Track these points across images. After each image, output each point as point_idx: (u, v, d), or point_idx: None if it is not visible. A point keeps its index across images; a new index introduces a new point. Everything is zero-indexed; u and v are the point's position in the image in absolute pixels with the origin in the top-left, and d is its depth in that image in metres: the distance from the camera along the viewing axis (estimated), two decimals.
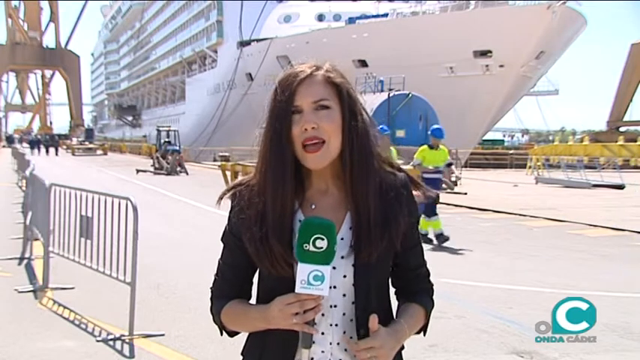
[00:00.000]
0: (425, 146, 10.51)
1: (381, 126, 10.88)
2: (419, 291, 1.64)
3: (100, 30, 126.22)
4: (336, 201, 1.54)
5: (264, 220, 1.50)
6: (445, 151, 10.55)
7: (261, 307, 1.51)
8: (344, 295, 1.51)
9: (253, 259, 1.53)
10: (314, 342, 1.47)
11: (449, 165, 10.66)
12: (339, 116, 1.50)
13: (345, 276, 1.50)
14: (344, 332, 1.51)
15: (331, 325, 1.51)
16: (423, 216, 9.65)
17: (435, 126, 11.36)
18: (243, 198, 1.55)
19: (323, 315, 1.49)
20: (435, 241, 9.94)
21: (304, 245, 1.40)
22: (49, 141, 57.83)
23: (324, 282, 1.40)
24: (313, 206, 1.53)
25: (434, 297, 1.68)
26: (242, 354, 1.62)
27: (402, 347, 1.61)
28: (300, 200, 1.53)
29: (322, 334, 1.50)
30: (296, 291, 1.42)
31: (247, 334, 1.61)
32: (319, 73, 1.53)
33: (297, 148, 1.49)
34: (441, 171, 10.49)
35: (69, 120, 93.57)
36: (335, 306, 1.51)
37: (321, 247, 1.40)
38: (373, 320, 1.46)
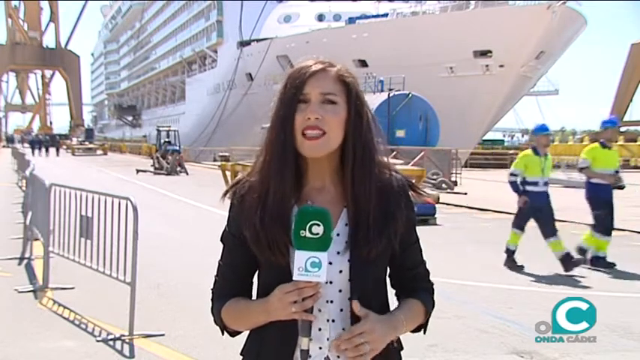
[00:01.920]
0: (596, 144, 8.32)
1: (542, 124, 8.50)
2: (419, 289, 1.64)
3: (100, 30, 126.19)
4: (333, 197, 1.55)
5: (265, 207, 1.51)
6: (617, 152, 8.40)
7: (262, 300, 1.52)
8: (340, 291, 1.51)
9: (253, 249, 1.53)
10: (311, 338, 1.47)
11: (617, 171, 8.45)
12: (345, 113, 1.52)
13: (340, 271, 1.51)
14: (343, 329, 1.51)
15: (328, 320, 1.51)
16: (597, 235, 8.24)
17: (609, 116, 8.72)
18: (244, 190, 1.57)
19: (320, 311, 1.50)
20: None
21: (301, 232, 1.42)
22: (50, 141, 57.62)
23: (322, 268, 1.41)
24: (309, 202, 1.53)
25: (434, 297, 1.67)
26: (241, 354, 1.61)
27: (401, 347, 1.62)
28: (296, 197, 1.54)
29: (319, 329, 1.50)
30: (294, 278, 1.43)
31: (247, 334, 1.61)
32: (333, 69, 1.55)
33: (297, 136, 1.50)
34: (616, 176, 8.34)
35: (69, 120, 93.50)
36: (331, 301, 1.51)
37: (318, 234, 1.42)
38: (355, 305, 1.47)
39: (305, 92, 1.51)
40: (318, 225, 1.42)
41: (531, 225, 12.57)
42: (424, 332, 1.65)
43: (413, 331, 1.62)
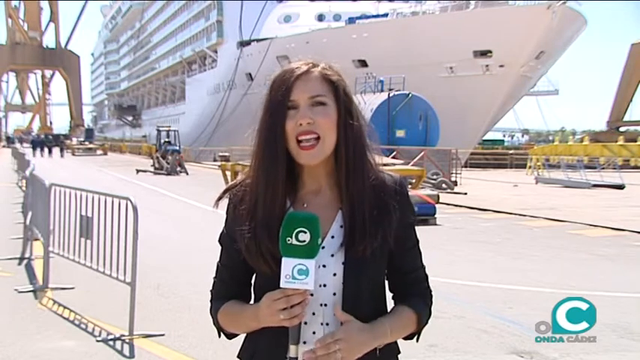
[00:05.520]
0: None
1: None
2: (415, 295, 1.59)
3: (100, 30, 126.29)
4: (328, 200, 1.53)
5: (255, 217, 1.50)
6: None
7: (253, 305, 1.51)
8: (334, 294, 1.49)
9: (246, 259, 1.52)
10: (305, 342, 1.46)
11: None
12: (335, 113, 1.50)
13: (334, 274, 1.49)
14: None
15: (322, 324, 1.49)
16: None
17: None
18: (237, 197, 1.56)
19: (314, 314, 1.48)
20: None
21: (287, 239, 1.40)
22: (53, 141, 56.82)
23: (309, 276, 1.39)
24: (305, 205, 1.53)
25: (432, 301, 1.61)
26: (238, 356, 1.61)
27: (398, 352, 1.59)
28: (292, 199, 1.53)
29: (313, 333, 1.49)
30: (281, 286, 1.41)
31: (244, 336, 1.60)
32: (316, 69, 1.52)
33: (290, 144, 1.48)
34: None
35: (69, 120, 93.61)
36: (325, 305, 1.49)
37: (304, 241, 1.39)
38: (337, 309, 1.45)
39: (293, 98, 1.48)
40: (305, 232, 1.39)
41: (530, 224, 12.60)
42: (417, 340, 1.60)
43: (405, 339, 1.58)
